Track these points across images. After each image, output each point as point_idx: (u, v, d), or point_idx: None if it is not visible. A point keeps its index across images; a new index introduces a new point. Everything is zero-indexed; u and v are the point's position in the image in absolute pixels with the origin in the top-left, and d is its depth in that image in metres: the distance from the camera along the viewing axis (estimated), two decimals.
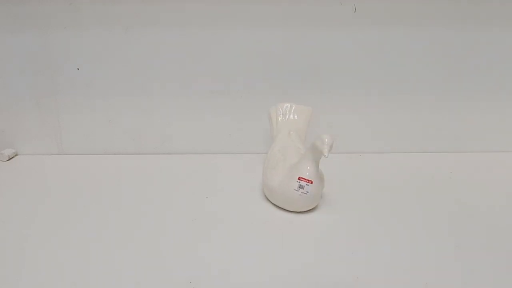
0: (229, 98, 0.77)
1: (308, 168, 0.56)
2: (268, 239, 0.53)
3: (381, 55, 0.74)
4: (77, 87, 0.76)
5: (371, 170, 0.74)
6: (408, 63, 0.75)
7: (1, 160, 0.78)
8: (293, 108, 0.70)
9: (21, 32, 0.72)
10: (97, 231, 0.55)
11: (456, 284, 0.45)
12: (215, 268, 0.47)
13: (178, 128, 0.80)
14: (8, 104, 0.77)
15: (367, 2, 0.70)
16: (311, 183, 0.56)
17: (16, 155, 0.81)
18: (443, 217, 0.58)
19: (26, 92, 0.76)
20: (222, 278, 0.46)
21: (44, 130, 0.79)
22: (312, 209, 0.59)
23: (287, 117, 0.69)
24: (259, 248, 0.51)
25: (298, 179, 0.56)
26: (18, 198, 0.65)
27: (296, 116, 0.69)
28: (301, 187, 0.56)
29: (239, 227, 0.56)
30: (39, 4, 0.70)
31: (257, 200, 0.63)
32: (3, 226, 0.57)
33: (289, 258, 0.49)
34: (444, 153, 0.81)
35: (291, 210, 0.59)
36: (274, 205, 0.61)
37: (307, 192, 0.56)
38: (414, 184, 0.68)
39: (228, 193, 0.65)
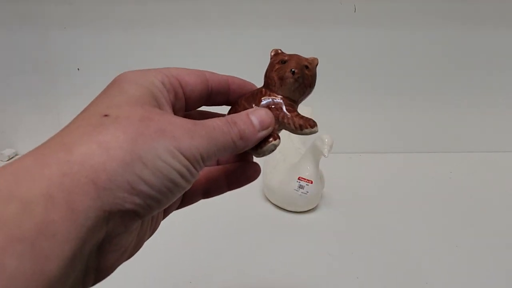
0: None
1: (308, 168, 0.56)
2: (268, 239, 0.53)
3: (381, 55, 0.74)
4: (77, 87, 0.76)
5: (371, 170, 0.74)
6: (408, 63, 0.75)
7: (1, 160, 0.78)
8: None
9: (21, 32, 0.72)
10: None
11: (456, 284, 0.45)
12: (215, 268, 0.47)
13: None
14: (8, 104, 0.77)
15: (367, 2, 0.70)
16: (311, 183, 0.56)
17: (16, 155, 0.81)
18: (443, 217, 0.58)
19: (26, 92, 0.76)
20: (222, 278, 0.46)
21: (44, 130, 0.79)
22: (312, 209, 0.59)
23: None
24: (259, 248, 0.51)
25: (298, 179, 0.56)
26: None
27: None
28: (301, 187, 0.56)
29: (239, 227, 0.56)
30: (39, 4, 0.70)
31: (257, 200, 0.63)
32: None
33: (289, 258, 0.49)
34: (444, 153, 0.81)
35: (291, 210, 0.59)
36: (274, 205, 0.61)
37: (307, 192, 0.56)
38: (414, 184, 0.68)
39: (228, 193, 0.65)
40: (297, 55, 0.26)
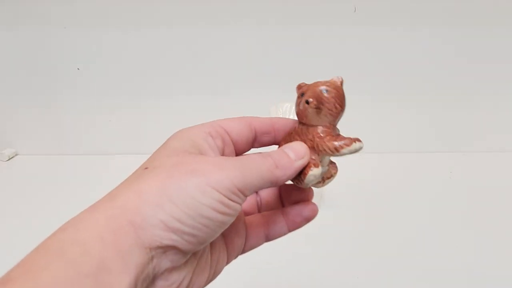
0: (229, 98, 0.77)
1: None
2: None
3: (381, 55, 0.74)
4: (77, 87, 0.76)
5: (371, 170, 0.74)
6: (408, 63, 0.75)
7: (1, 160, 0.78)
8: (293, 107, 0.70)
9: (21, 32, 0.72)
10: None
11: (456, 284, 0.45)
12: None
13: (178, 128, 0.79)
14: (8, 104, 0.77)
15: (367, 2, 0.70)
16: None
17: (16, 155, 0.81)
18: (443, 217, 0.58)
19: (26, 92, 0.76)
20: (221, 277, 0.46)
21: (44, 130, 0.79)
22: None
23: (287, 116, 0.69)
24: (258, 248, 0.51)
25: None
26: (18, 198, 0.65)
27: (296, 116, 0.69)
28: None
29: None
30: (39, 4, 0.70)
31: None
32: (3, 226, 0.57)
33: (289, 257, 0.49)
34: (444, 153, 0.81)
35: None
36: None
37: None
38: (414, 184, 0.68)
39: None
40: (317, 82, 0.25)
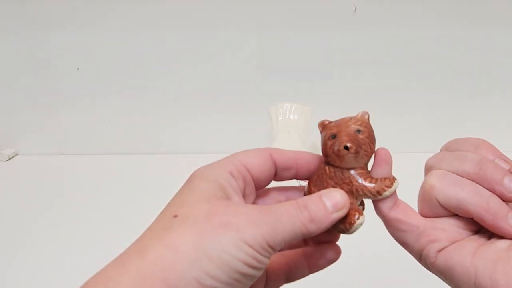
0: (229, 98, 0.77)
1: None
2: None
3: (381, 55, 0.74)
4: (77, 87, 0.76)
5: None
6: (408, 63, 0.75)
7: (1, 160, 0.78)
8: (293, 107, 0.70)
9: (21, 32, 0.72)
10: (97, 231, 0.55)
11: None
12: None
13: (178, 128, 0.80)
14: (8, 104, 0.77)
15: (367, 2, 0.70)
16: None
17: (16, 155, 0.81)
18: None
19: (26, 92, 0.76)
20: None
21: (44, 130, 0.79)
22: None
23: (287, 116, 0.69)
24: None
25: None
26: (18, 198, 0.65)
27: (296, 116, 0.69)
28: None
29: None
30: (39, 4, 0.70)
31: None
32: (3, 226, 0.57)
33: None
34: None
35: None
36: None
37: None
38: (413, 184, 0.68)
39: None
40: (344, 121, 0.24)
